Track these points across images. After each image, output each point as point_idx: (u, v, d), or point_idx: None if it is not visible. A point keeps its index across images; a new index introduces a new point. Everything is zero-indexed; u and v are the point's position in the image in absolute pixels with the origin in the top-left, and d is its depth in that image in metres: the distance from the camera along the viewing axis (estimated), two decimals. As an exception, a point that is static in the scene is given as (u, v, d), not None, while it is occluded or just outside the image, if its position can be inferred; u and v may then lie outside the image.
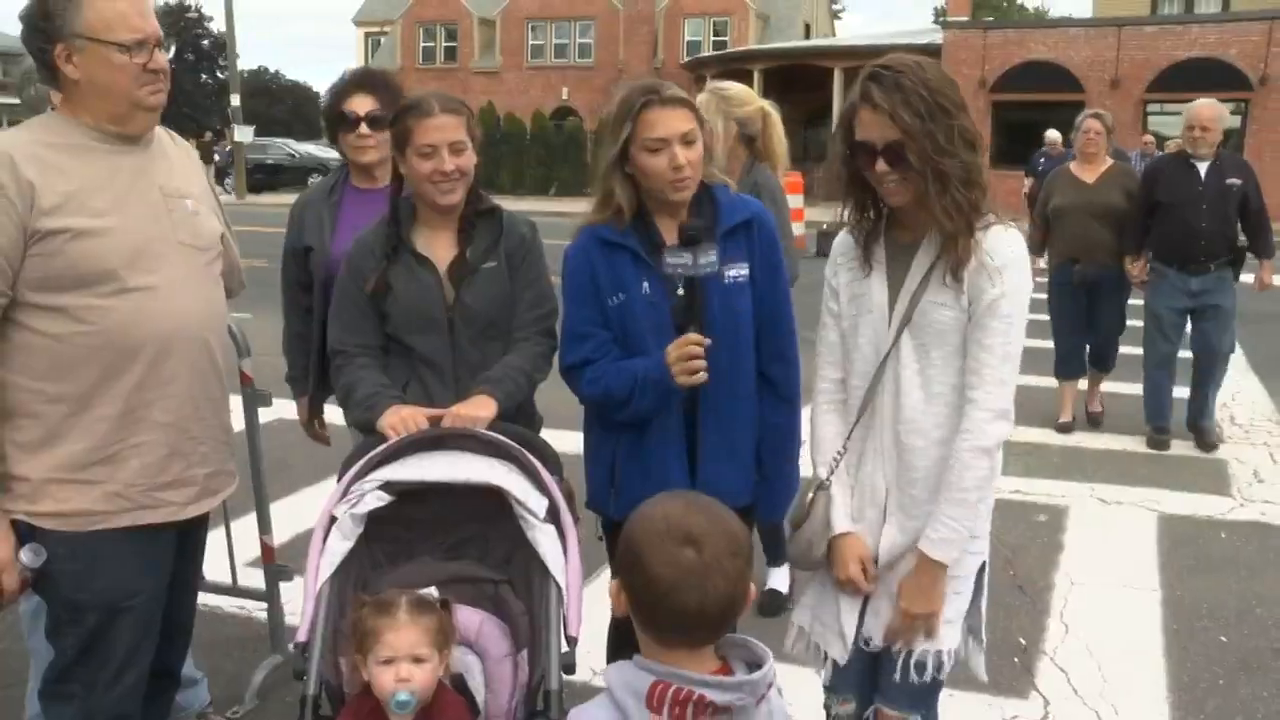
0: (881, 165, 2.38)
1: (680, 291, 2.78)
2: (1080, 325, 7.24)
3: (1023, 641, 4.28)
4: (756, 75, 34.76)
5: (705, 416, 2.86)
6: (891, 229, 2.55)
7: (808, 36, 43.88)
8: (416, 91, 3.11)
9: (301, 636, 2.33)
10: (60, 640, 2.53)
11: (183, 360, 2.55)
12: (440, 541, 2.60)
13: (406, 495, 2.51)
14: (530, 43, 42.55)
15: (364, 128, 3.62)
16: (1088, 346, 7.36)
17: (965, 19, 31.26)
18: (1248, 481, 6.31)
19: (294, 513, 5.06)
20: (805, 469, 2.84)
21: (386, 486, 2.48)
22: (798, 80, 35.11)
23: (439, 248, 2.98)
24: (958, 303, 2.43)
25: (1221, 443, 6.97)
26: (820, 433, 2.68)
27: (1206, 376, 6.94)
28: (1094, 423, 7.48)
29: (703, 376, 2.70)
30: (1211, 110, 6.73)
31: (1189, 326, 6.91)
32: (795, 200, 18.74)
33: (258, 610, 4.31)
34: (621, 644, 3.19)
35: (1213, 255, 6.67)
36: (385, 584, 2.50)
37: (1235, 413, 7.82)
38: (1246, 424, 7.51)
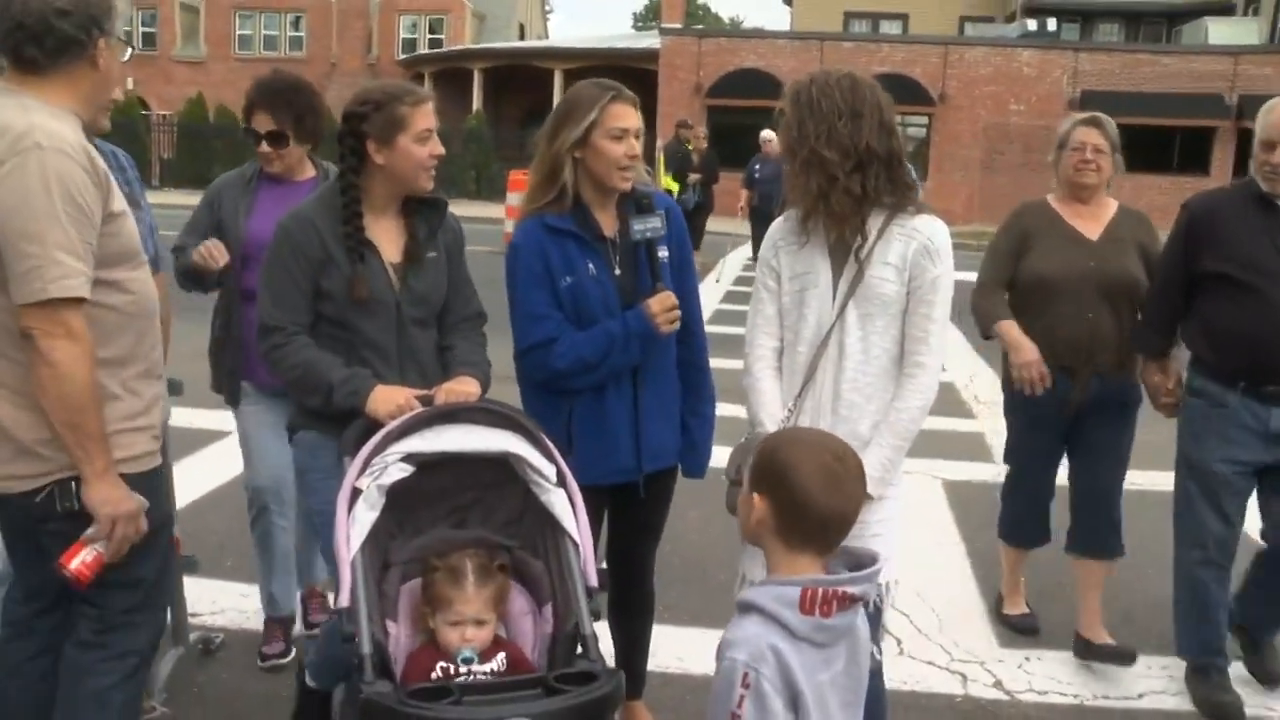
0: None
1: (618, 271, 3.17)
2: (1052, 470, 4.43)
3: (862, 592, 4.81)
4: (477, 74, 34.97)
5: (645, 380, 3.21)
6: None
7: (522, 37, 44.45)
8: (367, 83, 3.28)
9: (345, 602, 2.48)
10: (137, 572, 2.71)
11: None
12: (444, 509, 2.78)
13: (423, 466, 2.68)
14: (238, 32, 40.81)
15: (265, 145, 3.87)
16: (1051, 506, 4.54)
17: (680, 26, 32.58)
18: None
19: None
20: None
21: (408, 458, 2.64)
22: (516, 80, 35.58)
23: (381, 234, 3.09)
24: (899, 278, 2.91)
25: None
26: (765, 395, 3.07)
27: None
28: (1110, 658, 4.23)
29: (678, 325, 3.11)
30: None
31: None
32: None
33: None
34: None
35: None
36: (407, 553, 2.68)
37: (978, 392, 8.86)
38: (989, 401, 8.48)
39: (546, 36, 50.42)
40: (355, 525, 2.56)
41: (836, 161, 2.85)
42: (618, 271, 3.17)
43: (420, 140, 2.99)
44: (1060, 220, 4.25)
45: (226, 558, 4.94)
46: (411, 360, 3.09)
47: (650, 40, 33.47)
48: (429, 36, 40.96)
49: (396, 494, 2.66)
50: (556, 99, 32.97)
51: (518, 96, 36.52)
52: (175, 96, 36.26)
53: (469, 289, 3.28)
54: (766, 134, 15.29)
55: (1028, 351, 4.11)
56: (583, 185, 3.15)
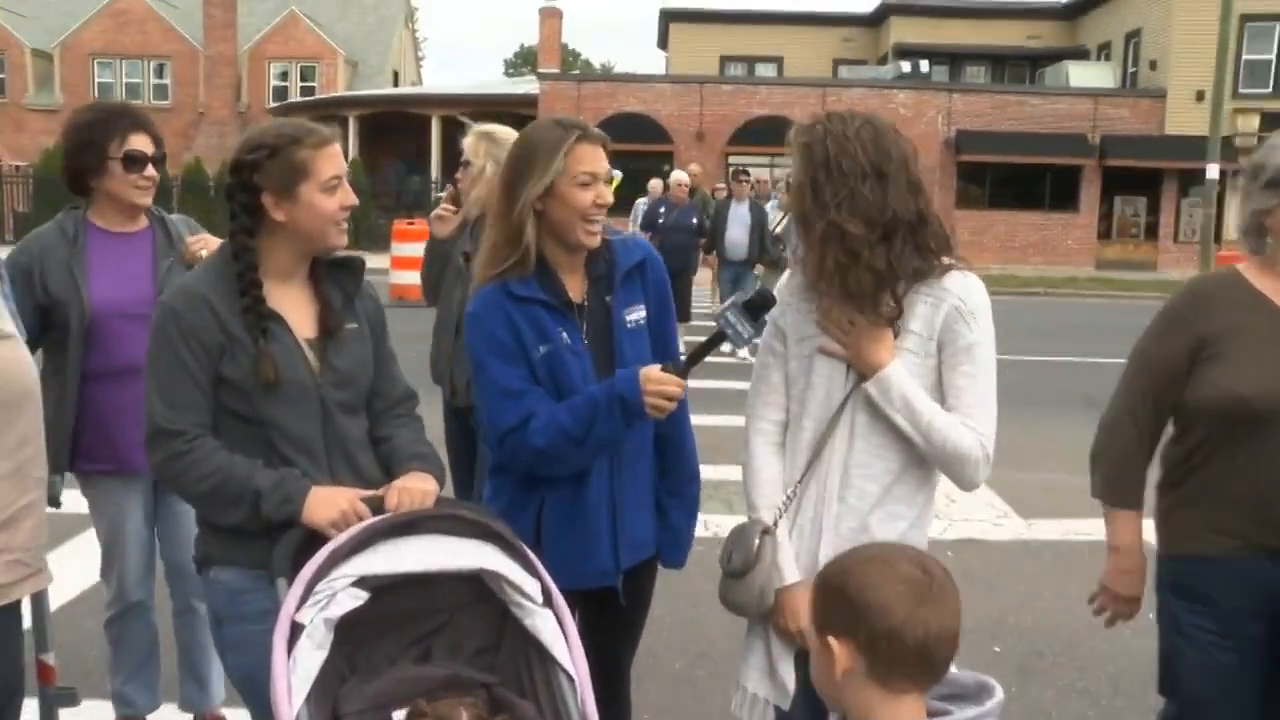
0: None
1: (586, 342, 2.72)
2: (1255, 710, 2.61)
3: (831, 673, 4.41)
4: (352, 122, 34.17)
5: (622, 462, 2.75)
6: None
7: (396, 84, 43.77)
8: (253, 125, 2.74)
9: (289, 772, 1.95)
10: None
11: (38, 412, 2.28)
12: (403, 638, 2.27)
13: (379, 589, 2.17)
14: (97, 80, 39.24)
15: (150, 169, 3.42)
16: None
17: (557, 71, 32.41)
18: (944, 504, 6.90)
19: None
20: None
21: (361, 582, 2.13)
22: (392, 127, 34.91)
23: (288, 305, 2.53)
24: (924, 348, 2.47)
25: None
26: (762, 475, 2.63)
27: None
28: None
29: (663, 415, 2.59)
30: None
31: None
32: (410, 248, 18.26)
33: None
34: None
35: None
36: (362, 700, 2.15)
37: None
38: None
39: (420, 83, 49.81)
40: (298, 671, 2.04)
41: (862, 236, 2.38)
42: (586, 342, 2.71)
43: (327, 190, 2.45)
44: (1271, 307, 2.56)
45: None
46: (341, 454, 2.54)
47: (528, 85, 33.21)
48: (301, 84, 40.09)
49: (346, 625, 2.14)
50: (434, 145, 32.52)
51: (394, 143, 35.81)
52: (29, 146, 34.60)
53: (394, 366, 2.75)
54: (679, 175, 13.42)
55: (1134, 580, 2.75)
56: (546, 244, 2.68)
